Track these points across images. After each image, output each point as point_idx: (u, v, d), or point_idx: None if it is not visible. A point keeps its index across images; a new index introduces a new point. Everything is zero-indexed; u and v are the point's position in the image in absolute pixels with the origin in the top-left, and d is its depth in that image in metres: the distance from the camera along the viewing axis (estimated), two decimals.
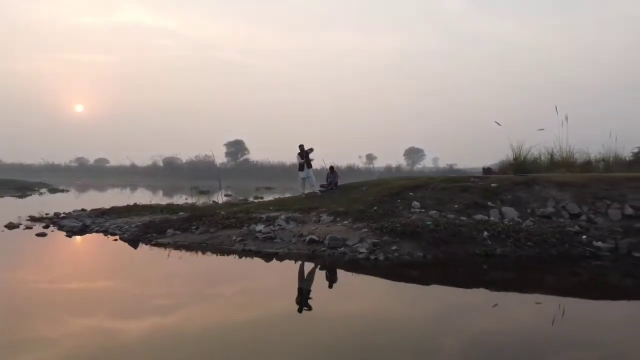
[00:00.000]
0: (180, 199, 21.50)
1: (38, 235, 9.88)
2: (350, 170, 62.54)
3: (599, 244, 7.99)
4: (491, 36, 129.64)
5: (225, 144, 70.63)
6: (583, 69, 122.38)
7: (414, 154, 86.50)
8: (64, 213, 13.44)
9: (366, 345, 4.23)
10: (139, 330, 4.51)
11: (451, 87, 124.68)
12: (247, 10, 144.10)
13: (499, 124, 14.84)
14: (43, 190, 29.75)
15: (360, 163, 73.90)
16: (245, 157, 70.56)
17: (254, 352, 4.04)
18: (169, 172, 68.77)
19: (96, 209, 13.61)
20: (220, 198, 21.95)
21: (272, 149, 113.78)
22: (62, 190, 29.91)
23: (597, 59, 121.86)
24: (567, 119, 14.09)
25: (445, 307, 5.61)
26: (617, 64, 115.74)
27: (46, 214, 13.41)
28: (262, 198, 19.76)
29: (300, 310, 5.21)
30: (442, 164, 75.78)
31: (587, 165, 13.78)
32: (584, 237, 8.20)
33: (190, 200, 19.63)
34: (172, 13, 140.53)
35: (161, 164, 71.41)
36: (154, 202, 17.67)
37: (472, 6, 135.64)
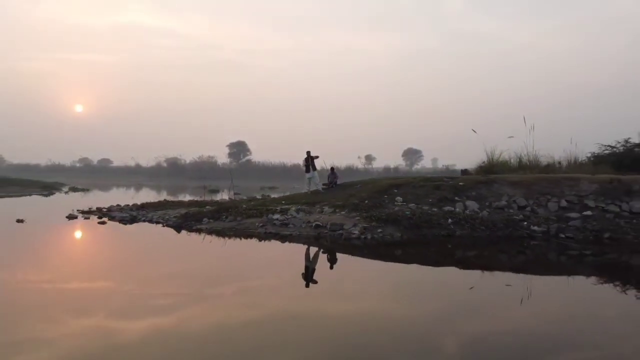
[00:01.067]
0: (191, 197, 24.00)
1: (100, 223, 12.54)
2: (349, 170, 65.16)
3: (535, 227, 10.65)
4: (491, 36, 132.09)
5: (227, 145, 73.54)
6: (583, 69, 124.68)
7: (412, 154, 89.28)
8: (104, 208, 16.06)
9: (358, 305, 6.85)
10: (197, 281, 7.15)
11: (451, 87, 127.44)
12: (247, 10, 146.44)
13: (474, 131, 17.54)
14: (65, 189, 32.40)
15: (359, 163, 76.50)
16: (247, 157, 73.37)
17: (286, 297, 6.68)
18: (173, 173, 71.32)
19: (134, 204, 16.24)
20: (231, 196, 24.56)
21: (273, 149, 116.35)
22: (83, 190, 32.59)
23: (598, 58, 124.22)
24: (533, 127, 16.80)
25: (418, 274, 8.25)
26: (617, 64, 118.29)
27: (90, 208, 16.03)
28: (269, 196, 22.33)
29: (307, 282, 7.81)
30: (441, 164, 78.50)
31: (549, 167, 16.42)
32: (525, 223, 10.85)
33: (205, 198, 22.21)
34: (173, 13, 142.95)
35: (165, 165, 73.88)
36: (166, 199, 20.28)
37: (472, 6, 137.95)
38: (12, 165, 78.68)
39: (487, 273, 8.02)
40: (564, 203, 11.50)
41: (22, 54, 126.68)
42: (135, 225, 12.56)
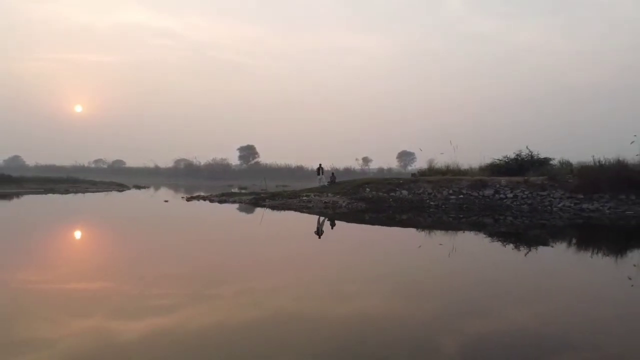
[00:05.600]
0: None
1: (210, 202, 24.72)
2: (348, 171, 77.36)
3: (432, 203, 22.88)
4: (491, 37, 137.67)
5: (238, 149, 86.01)
6: (584, 70, 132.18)
7: (405, 156, 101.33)
8: (196, 195, 28.20)
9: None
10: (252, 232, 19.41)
11: (450, 88, 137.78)
12: (247, 10, 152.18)
13: (421, 150, 29.86)
14: (130, 187, 44.57)
15: (357, 165, 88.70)
16: (256, 160, 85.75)
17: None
18: (189, 174, 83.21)
19: (211, 194, 28.43)
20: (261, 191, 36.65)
21: (276, 150, 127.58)
22: (144, 187, 44.83)
23: (600, 59, 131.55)
24: (456, 147, 29.19)
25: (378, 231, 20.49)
26: (619, 66, 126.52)
27: (188, 196, 28.17)
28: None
29: (319, 235, 19.98)
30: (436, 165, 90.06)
31: (462, 171, 28.64)
32: (428, 201, 23.07)
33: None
34: (173, 13, 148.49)
35: (182, 166, 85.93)
36: (233, 191, 32.46)
37: (471, 7, 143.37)
38: (40, 166, 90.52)
39: (422, 231, 19.96)
40: (450, 191, 23.72)
41: (21, 54, 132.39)
42: (228, 204, 24.77)
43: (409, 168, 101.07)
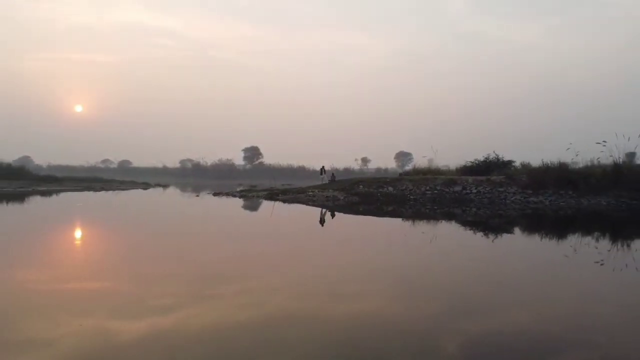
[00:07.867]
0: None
1: (233, 196, 31.20)
2: (347, 171, 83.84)
3: (411, 197, 29.38)
4: (491, 37, 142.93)
5: (242, 150, 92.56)
6: (583, 70, 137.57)
7: (403, 157, 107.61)
8: (219, 191, 34.68)
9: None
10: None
11: (449, 89, 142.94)
12: (247, 10, 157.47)
13: (407, 153, 36.28)
14: (153, 185, 50.96)
15: (356, 165, 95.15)
16: (260, 160, 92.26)
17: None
18: (196, 174, 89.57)
19: (231, 191, 34.90)
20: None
21: (278, 150, 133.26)
22: (164, 185, 51.26)
23: (599, 59, 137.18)
24: (437, 151, 35.83)
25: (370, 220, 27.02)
26: (619, 66, 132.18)
27: (213, 192, 34.62)
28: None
29: (322, 223, 26.51)
30: (435, 165, 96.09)
31: (441, 171, 35.14)
32: (408, 195, 29.57)
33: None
34: (173, 13, 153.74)
35: (189, 166, 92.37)
36: (250, 187, 38.91)
37: (472, 7, 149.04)
38: (53, 166, 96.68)
39: (407, 221, 26.36)
40: (427, 188, 30.19)
41: (21, 54, 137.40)
42: (246, 198, 31.20)
43: (407, 168, 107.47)
